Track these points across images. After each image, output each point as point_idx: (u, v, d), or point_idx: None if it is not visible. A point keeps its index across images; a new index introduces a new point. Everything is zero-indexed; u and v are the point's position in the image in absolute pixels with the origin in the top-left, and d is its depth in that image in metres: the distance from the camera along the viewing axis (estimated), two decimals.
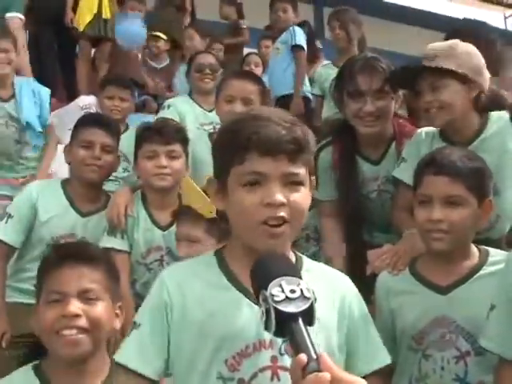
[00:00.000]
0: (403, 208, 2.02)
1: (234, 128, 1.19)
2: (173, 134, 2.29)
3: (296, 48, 4.31)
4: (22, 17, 3.93)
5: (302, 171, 1.16)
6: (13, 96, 3.30)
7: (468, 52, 2.02)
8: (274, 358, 1.15)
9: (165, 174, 2.23)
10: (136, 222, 2.27)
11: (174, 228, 2.07)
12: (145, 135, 2.31)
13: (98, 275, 1.47)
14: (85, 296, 1.43)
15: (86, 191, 2.39)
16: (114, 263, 1.62)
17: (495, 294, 1.45)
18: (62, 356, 1.41)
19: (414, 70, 2.04)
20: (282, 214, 1.12)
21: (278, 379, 1.14)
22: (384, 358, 1.29)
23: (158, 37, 5.31)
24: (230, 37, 5.74)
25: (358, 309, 1.28)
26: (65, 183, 2.44)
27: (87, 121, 2.52)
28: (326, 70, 4.05)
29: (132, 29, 4.72)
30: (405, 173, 1.94)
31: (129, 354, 1.21)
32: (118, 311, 1.52)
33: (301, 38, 4.33)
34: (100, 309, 1.44)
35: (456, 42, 2.05)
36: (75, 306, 1.41)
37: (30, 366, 1.49)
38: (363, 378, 0.87)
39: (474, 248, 1.66)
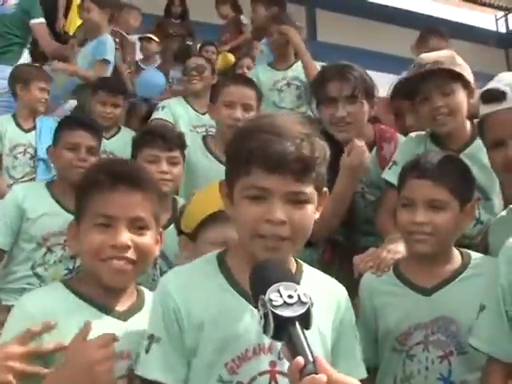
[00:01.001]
0: (388, 210, 2.04)
1: (241, 139, 1.18)
2: (175, 140, 2.31)
3: None
4: (43, 20, 4.12)
5: (309, 189, 1.15)
6: (34, 128, 3.56)
7: (463, 62, 2.07)
8: (272, 363, 1.17)
9: (166, 179, 2.25)
10: None
11: (167, 230, 2.09)
12: (146, 139, 2.31)
13: (150, 203, 1.38)
14: (135, 224, 1.35)
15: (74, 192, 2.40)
16: (161, 189, 1.47)
17: (485, 294, 1.47)
18: (104, 282, 1.33)
19: (422, 75, 2.04)
20: (281, 232, 1.13)
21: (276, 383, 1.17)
22: (361, 373, 1.30)
23: (151, 38, 5.32)
24: (232, 36, 5.70)
25: (349, 320, 1.31)
26: (49, 185, 2.46)
27: (72, 123, 2.53)
28: (264, 72, 3.80)
29: (152, 81, 4.68)
30: (395, 176, 1.97)
31: (155, 368, 1.18)
32: (158, 237, 1.44)
33: None
34: (148, 239, 1.37)
35: (451, 52, 2.10)
36: (126, 236, 1.32)
37: (57, 282, 1.42)
38: None
39: (456, 251, 1.69)
